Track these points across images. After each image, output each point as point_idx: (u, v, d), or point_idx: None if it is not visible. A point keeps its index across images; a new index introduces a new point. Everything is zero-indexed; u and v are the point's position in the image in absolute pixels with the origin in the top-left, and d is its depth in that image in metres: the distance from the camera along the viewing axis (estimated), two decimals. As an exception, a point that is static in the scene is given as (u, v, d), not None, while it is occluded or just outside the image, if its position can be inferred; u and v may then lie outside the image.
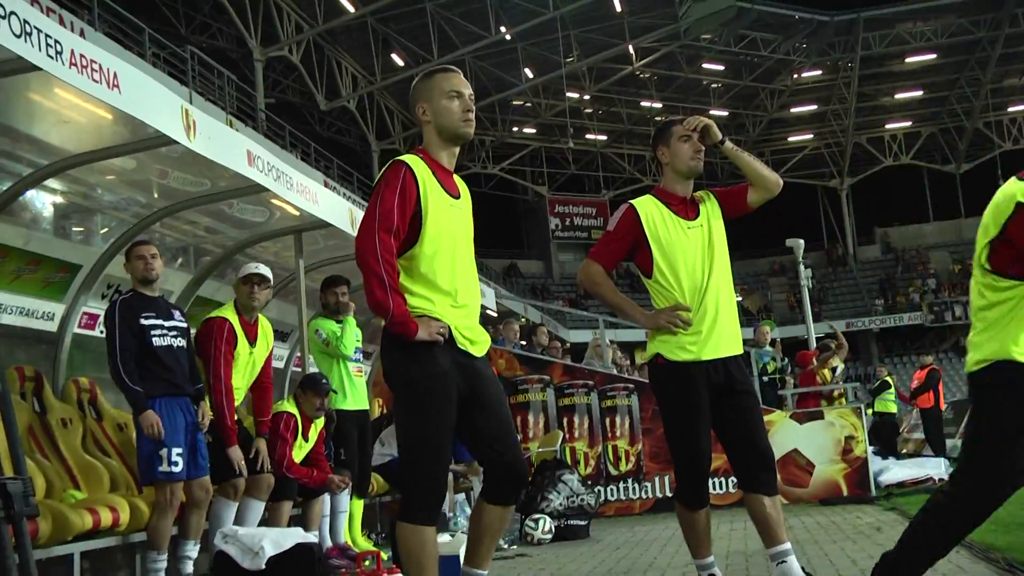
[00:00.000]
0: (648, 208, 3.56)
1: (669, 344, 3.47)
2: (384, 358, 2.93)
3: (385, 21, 29.26)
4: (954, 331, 37.38)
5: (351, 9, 26.68)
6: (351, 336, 5.89)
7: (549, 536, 7.01)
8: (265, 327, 5.30)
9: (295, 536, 4.62)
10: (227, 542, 4.47)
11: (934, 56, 37.40)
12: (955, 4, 34.10)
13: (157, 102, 4.15)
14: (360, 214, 5.13)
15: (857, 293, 42.08)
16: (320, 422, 5.63)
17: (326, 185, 16.35)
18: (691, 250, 3.52)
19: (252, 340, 5.12)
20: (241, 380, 5.07)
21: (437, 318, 2.85)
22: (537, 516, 7.09)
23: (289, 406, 5.48)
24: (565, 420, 9.36)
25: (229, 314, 5.07)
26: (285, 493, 5.23)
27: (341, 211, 6.10)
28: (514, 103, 36.85)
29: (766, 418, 7.06)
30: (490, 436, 2.91)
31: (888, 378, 16.72)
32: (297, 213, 5.71)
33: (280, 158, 5.71)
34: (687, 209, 3.59)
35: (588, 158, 42.72)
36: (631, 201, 3.61)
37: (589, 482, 8.42)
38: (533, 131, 39.90)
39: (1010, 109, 40.76)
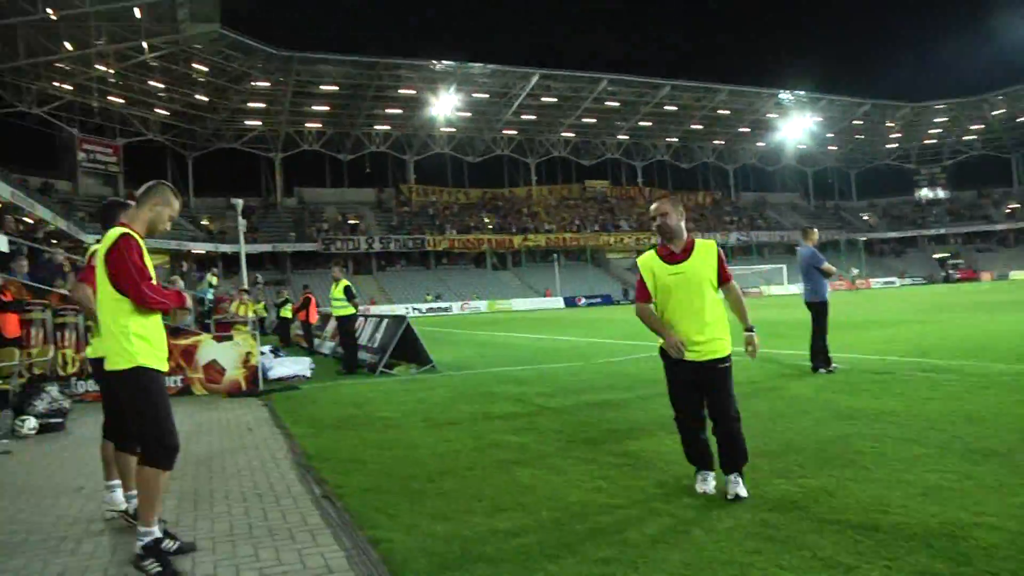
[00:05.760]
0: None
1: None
2: None
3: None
4: (335, 258, 62.79)
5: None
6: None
7: (34, 431, 8.20)
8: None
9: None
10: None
11: (336, 88, 67.12)
12: (348, 60, 64.09)
13: None
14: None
15: (279, 229, 69.78)
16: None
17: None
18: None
19: None
20: None
21: None
22: (24, 416, 8.34)
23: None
24: (59, 334, 11.01)
25: None
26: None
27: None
28: (56, 65, 51.47)
29: (196, 339, 10.89)
30: None
31: (286, 294, 25.19)
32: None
33: None
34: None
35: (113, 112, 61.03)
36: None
37: (73, 379, 10.69)
38: (71, 88, 56.39)
39: (377, 127, 75.54)
